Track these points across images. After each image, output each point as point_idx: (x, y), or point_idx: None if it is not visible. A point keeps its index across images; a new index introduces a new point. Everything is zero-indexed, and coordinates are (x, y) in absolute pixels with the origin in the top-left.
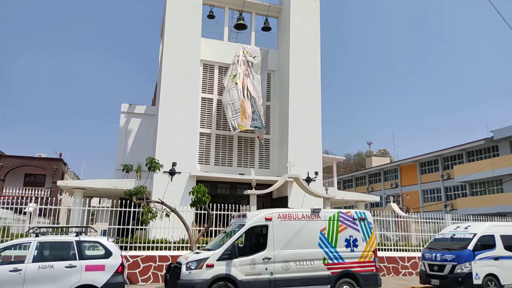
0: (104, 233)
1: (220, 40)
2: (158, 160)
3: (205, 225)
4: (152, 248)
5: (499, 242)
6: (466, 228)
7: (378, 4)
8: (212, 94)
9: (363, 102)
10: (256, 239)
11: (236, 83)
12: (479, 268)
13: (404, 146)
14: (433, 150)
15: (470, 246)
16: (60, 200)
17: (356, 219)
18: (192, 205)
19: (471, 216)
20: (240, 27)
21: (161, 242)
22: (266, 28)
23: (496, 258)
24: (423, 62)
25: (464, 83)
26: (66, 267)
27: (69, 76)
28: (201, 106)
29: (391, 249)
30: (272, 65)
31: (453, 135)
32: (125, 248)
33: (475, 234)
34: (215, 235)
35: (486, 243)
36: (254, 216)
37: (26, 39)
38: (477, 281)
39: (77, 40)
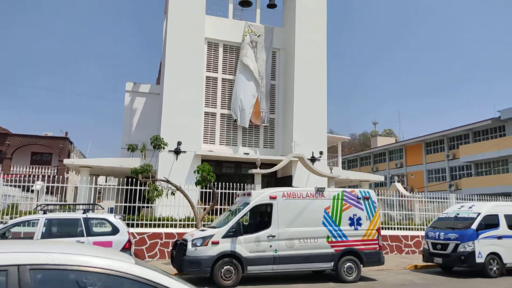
0: (111, 210)
1: (224, 18)
2: (162, 138)
3: (210, 203)
4: (159, 226)
5: (503, 222)
6: (470, 207)
7: None
8: (217, 72)
9: (368, 80)
10: (261, 217)
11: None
12: (482, 247)
13: (409, 126)
14: (439, 130)
15: (474, 226)
16: (67, 178)
17: (360, 198)
18: (197, 183)
19: (476, 196)
20: (245, 4)
21: (167, 220)
22: (272, 5)
23: (500, 237)
24: (428, 38)
25: (471, 61)
26: None
27: (73, 54)
28: (206, 85)
29: (394, 228)
30: (277, 43)
31: (460, 115)
32: (132, 225)
33: (479, 214)
34: (220, 213)
35: (490, 222)
36: (259, 195)
37: (29, 17)
38: (479, 260)
39: (81, 18)
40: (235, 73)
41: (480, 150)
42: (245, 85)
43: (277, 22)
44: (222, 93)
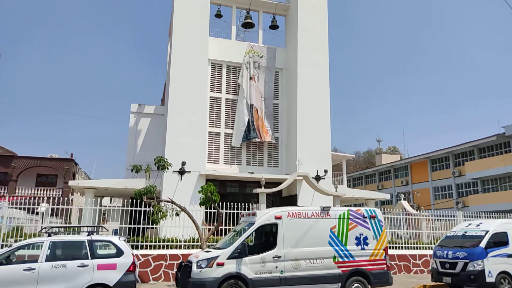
0: (115, 232)
1: (228, 39)
2: (166, 159)
3: (215, 223)
4: (163, 247)
5: None
6: (478, 225)
7: None
8: (221, 93)
9: (371, 97)
10: (266, 238)
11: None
12: (492, 265)
13: (414, 144)
14: (444, 146)
15: (482, 244)
16: (72, 200)
17: (366, 217)
18: (201, 204)
19: (483, 213)
20: (248, 25)
21: (172, 241)
22: (274, 26)
23: (510, 256)
24: (431, 57)
25: (474, 78)
26: (78, 266)
27: (78, 76)
28: (210, 105)
29: (402, 247)
30: (280, 63)
31: (464, 131)
32: (136, 247)
33: (487, 231)
34: (225, 234)
35: (499, 240)
36: (264, 215)
37: (33, 36)
38: (490, 279)
39: (87, 39)
40: (238, 93)
41: (486, 166)
42: (240, 105)
43: (280, 43)
44: (226, 113)
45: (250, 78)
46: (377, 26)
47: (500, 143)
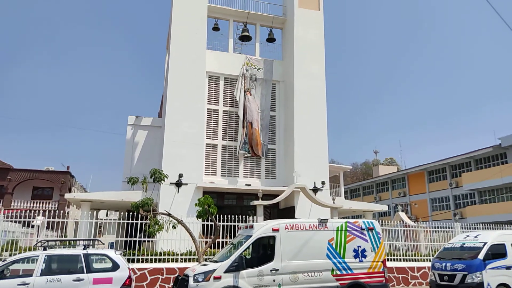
0: (111, 245)
1: (225, 52)
2: (162, 171)
3: (212, 236)
4: (159, 261)
5: (510, 251)
6: (476, 236)
7: (379, 9)
8: (218, 105)
9: (367, 109)
10: (264, 250)
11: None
12: (491, 277)
13: (411, 155)
14: (440, 158)
15: (481, 255)
16: (68, 213)
17: (364, 229)
18: (198, 216)
19: (481, 224)
20: (245, 38)
21: (168, 254)
22: (271, 39)
23: (508, 267)
24: (426, 68)
25: (468, 87)
26: (73, 280)
27: (76, 89)
28: (207, 117)
29: (400, 259)
30: (277, 76)
31: (461, 142)
32: (133, 261)
33: (485, 243)
34: (222, 247)
35: (497, 252)
36: (261, 227)
37: (29, 48)
38: None
39: (84, 52)
40: (235, 105)
41: (483, 177)
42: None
43: (277, 55)
44: (223, 125)
45: (246, 91)
46: (373, 38)
47: (497, 154)
